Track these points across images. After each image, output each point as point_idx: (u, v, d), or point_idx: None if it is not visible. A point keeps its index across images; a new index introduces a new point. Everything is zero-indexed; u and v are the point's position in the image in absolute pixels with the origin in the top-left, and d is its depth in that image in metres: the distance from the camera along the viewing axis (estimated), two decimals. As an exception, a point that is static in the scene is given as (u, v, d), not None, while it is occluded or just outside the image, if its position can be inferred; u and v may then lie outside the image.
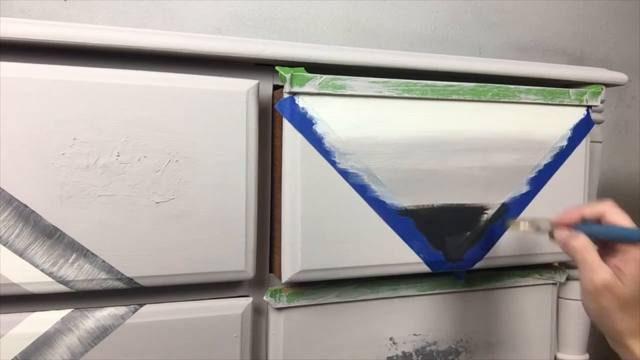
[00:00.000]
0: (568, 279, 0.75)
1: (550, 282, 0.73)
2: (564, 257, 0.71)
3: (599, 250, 0.51)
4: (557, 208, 0.68)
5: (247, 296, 0.59)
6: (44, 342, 0.51)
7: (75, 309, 0.52)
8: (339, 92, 0.57)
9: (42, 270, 0.50)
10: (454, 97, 0.63)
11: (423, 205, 0.62)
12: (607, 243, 0.52)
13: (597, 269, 0.49)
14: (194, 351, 0.56)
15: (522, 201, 0.67)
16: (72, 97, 0.49)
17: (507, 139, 0.65)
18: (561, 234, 0.53)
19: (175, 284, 0.55)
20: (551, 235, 0.55)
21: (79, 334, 0.52)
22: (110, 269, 0.52)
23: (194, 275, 0.55)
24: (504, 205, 0.66)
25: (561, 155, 0.68)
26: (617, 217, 0.51)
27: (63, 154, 0.50)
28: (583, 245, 0.51)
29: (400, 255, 0.61)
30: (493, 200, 0.66)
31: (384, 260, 0.61)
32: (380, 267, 0.61)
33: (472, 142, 0.63)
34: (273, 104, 0.60)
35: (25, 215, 0.49)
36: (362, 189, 0.59)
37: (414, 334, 0.66)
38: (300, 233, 0.57)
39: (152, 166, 0.52)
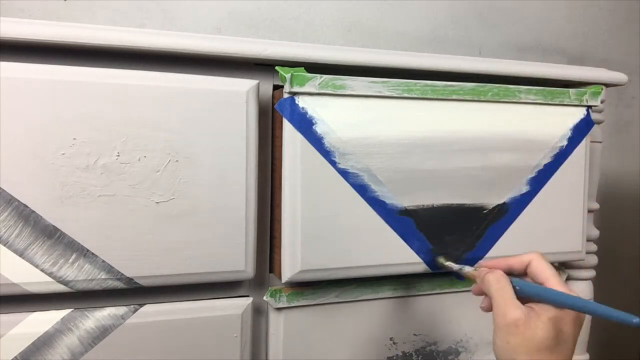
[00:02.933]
0: (568, 279, 0.75)
1: (550, 282, 0.73)
2: (563, 257, 0.71)
3: (517, 293, 0.49)
4: (557, 208, 0.69)
5: (247, 296, 0.59)
6: (44, 342, 0.51)
7: (75, 309, 0.52)
8: (339, 92, 0.57)
9: (42, 270, 0.50)
10: (454, 97, 0.63)
11: (423, 205, 0.62)
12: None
13: (510, 305, 0.47)
14: (194, 351, 0.56)
15: (522, 201, 0.67)
16: (72, 97, 0.49)
17: (507, 139, 0.65)
18: (481, 271, 0.52)
19: (175, 284, 0.55)
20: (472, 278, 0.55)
21: (79, 334, 0.52)
22: (110, 269, 0.52)
23: (194, 275, 0.55)
24: (504, 205, 0.66)
25: (561, 155, 0.68)
26: (541, 268, 0.49)
27: (63, 154, 0.50)
28: (498, 280, 0.49)
29: (400, 255, 0.61)
30: (493, 200, 0.66)
31: (384, 260, 0.61)
32: (380, 267, 0.61)
33: (472, 142, 0.63)
34: (273, 104, 0.60)
35: (25, 215, 0.49)
36: (362, 189, 0.59)
37: (414, 334, 0.66)
38: (300, 233, 0.57)
39: (152, 166, 0.52)
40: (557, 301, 0.47)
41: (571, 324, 0.47)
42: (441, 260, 0.62)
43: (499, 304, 0.48)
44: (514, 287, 0.49)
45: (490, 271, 0.51)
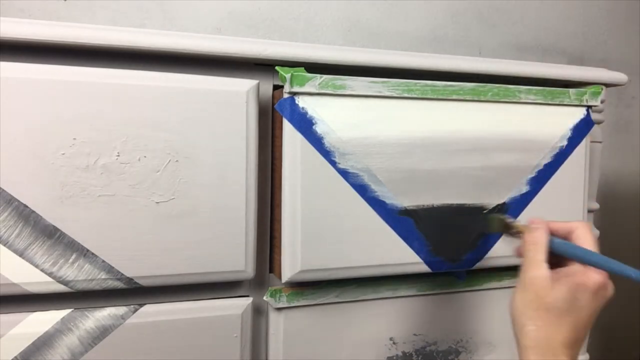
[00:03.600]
0: (568, 279, 0.75)
1: (550, 282, 0.73)
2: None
3: (551, 257, 0.50)
4: (557, 208, 0.69)
5: (247, 296, 0.59)
6: (44, 342, 0.51)
7: (75, 309, 0.52)
8: (339, 92, 0.57)
9: (42, 270, 0.50)
10: (454, 97, 0.63)
11: (423, 205, 0.62)
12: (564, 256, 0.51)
13: (535, 263, 0.49)
14: (194, 351, 0.56)
15: (522, 201, 0.67)
16: (72, 97, 0.49)
17: (507, 139, 0.65)
18: (527, 227, 0.53)
19: (175, 284, 0.55)
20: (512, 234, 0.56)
21: (79, 334, 0.52)
22: (110, 269, 0.52)
23: (194, 275, 0.55)
24: (504, 205, 0.66)
25: (561, 155, 0.68)
26: (584, 236, 0.50)
27: (63, 154, 0.50)
28: (535, 239, 0.51)
29: (400, 255, 0.61)
30: (493, 200, 0.66)
31: (384, 260, 0.61)
32: (380, 267, 0.61)
33: (472, 142, 0.63)
34: (273, 104, 0.60)
35: (25, 215, 0.49)
36: (362, 189, 0.59)
37: (414, 334, 0.66)
38: (300, 233, 0.57)
39: (152, 166, 0.52)
40: (585, 258, 0.48)
41: (591, 296, 0.47)
42: (499, 218, 0.61)
43: (527, 260, 0.50)
44: (551, 246, 0.51)
45: (532, 229, 0.52)
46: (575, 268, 0.49)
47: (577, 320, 0.47)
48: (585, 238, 0.50)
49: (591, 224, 0.52)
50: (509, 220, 0.58)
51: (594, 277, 0.48)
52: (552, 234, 0.52)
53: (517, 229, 0.56)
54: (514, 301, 0.49)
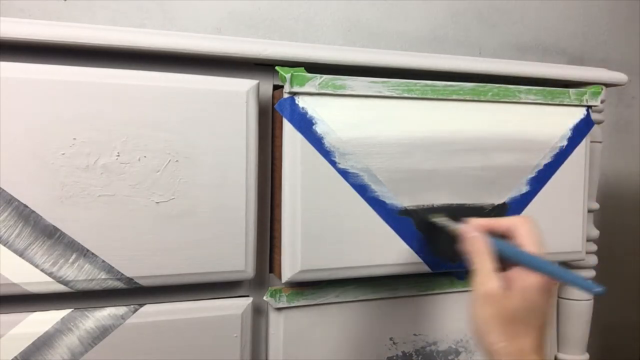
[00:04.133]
0: (568, 279, 0.75)
1: (550, 282, 0.73)
2: (563, 257, 0.71)
3: (498, 259, 0.49)
4: (557, 208, 0.69)
5: (247, 296, 0.59)
6: (44, 342, 0.51)
7: (75, 309, 0.52)
8: (339, 92, 0.57)
9: (42, 270, 0.50)
10: (454, 97, 0.63)
11: (423, 205, 0.62)
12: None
13: (487, 274, 0.48)
14: (194, 351, 0.56)
15: (522, 201, 0.67)
16: (72, 97, 0.49)
17: (507, 139, 0.65)
18: (467, 230, 0.52)
19: (175, 284, 0.55)
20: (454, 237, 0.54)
21: (79, 334, 0.52)
22: (110, 269, 0.52)
23: (194, 275, 0.55)
24: (504, 205, 0.66)
25: (561, 155, 0.68)
26: (525, 236, 0.49)
27: (63, 154, 0.50)
28: (479, 250, 0.50)
29: (400, 255, 0.61)
30: (493, 200, 0.66)
31: (384, 260, 0.61)
32: (380, 267, 0.61)
33: (472, 142, 0.63)
34: (273, 104, 0.60)
35: (25, 215, 0.49)
36: (362, 189, 0.59)
37: (414, 334, 0.66)
38: (300, 233, 0.57)
39: (152, 166, 0.52)
40: (529, 264, 0.47)
41: (540, 295, 0.47)
42: (432, 217, 0.61)
43: (477, 272, 0.49)
44: (496, 248, 0.49)
45: (473, 239, 0.51)
46: (517, 270, 0.48)
47: (539, 323, 0.47)
48: (527, 237, 0.49)
49: (532, 218, 0.51)
50: (446, 223, 0.57)
51: (536, 277, 0.47)
52: (492, 233, 0.51)
53: (453, 233, 0.55)
54: (476, 317, 0.48)
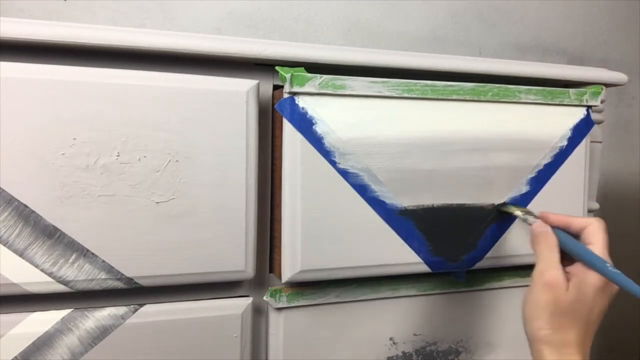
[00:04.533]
0: (568, 279, 0.75)
1: (550, 282, 0.73)
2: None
3: (562, 254, 0.52)
4: (557, 208, 0.69)
5: (247, 296, 0.59)
6: (44, 342, 0.51)
7: (75, 309, 0.52)
8: (339, 92, 0.57)
9: (42, 270, 0.50)
10: (454, 97, 0.63)
11: (423, 205, 0.62)
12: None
13: (551, 265, 0.50)
14: (194, 351, 0.56)
15: (522, 201, 0.67)
16: (72, 97, 0.49)
17: (507, 139, 0.65)
18: (538, 225, 0.54)
19: (175, 284, 0.55)
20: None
21: (79, 334, 0.52)
22: (110, 269, 0.52)
23: (194, 275, 0.55)
24: (504, 205, 0.66)
25: (561, 155, 0.68)
26: (594, 236, 0.51)
27: (63, 154, 0.50)
28: (547, 242, 0.52)
29: (400, 255, 0.61)
30: (493, 200, 0.66)
31: (384, 260, 0.61)
32: (380, 267, 0.61)
33: (472, 142, 0.63)
34: (273, 104, 0.60)
35: (25, 215, 0.49)
36: (362, 189, 0.59)
37: (414, 334, 0.66)
38: (300, 233, 0.57)
39: (152, 166, 0.52)
40: (593, 264, 0.49)
41: (597, 294, 0.49)
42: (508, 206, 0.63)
43: (542, 259, 0.51)
44: (563, 242, 0.52)
45: (543, 231, 0.53)
46: (579, 267, 0.50)
47: (588, 320, 0.49)
48: (595, 237, 0.51)
49: (604, 222, 0.53)
50: (523, 210, 0.60)
51: (596, 276, 0.49)
52: (566, 229, 0.53)
53: (528, 220, 0.57)
54: (529, 301, 0.50)
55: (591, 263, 0.49)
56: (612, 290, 0.50)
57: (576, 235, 0.53)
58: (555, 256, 0.51)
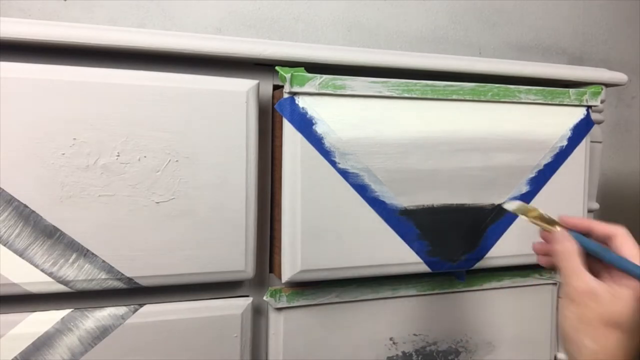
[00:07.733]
0: (568, 279, 0.75)
1: (550, 282, 0.73)
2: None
3: (589, 263, 0.47)
4: (557, 208, 0.69)
5: (247, 296, 0.59)
6: (44, 342, 0.51)
7: (75, 309, 0.52)
8: (339, 92, 0.57)
9: (42, 270, 0.50)
10: (454, 97, 0.63)
11: (423, 205, 0.62)
12: (604, 263, 0.48)
13: (579, 274, 0.45)
14: (194, 351, 0.56)
15: (522, 201, 0.67)
16: (72, 97, 0.49)
17: (507, 139, 0.65)
18: (557, 234, 0.49)
19: (175, 284, 0.55)
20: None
21: (79, 334, 0.52)
22: (110, 269, 0.52)
23: (194, 275, 0.55)
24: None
25: (561, 155, 0.68)
26: (626, 245, 0.47)
27: (63, 154, 0.50)
28: (566, 251, 0.47)
29: (400, 255, 0.61)
30: (493, 200, 0.66)
31: (384, 260, 0.61)
32: (380, 267, 0.61)
33: (472, 142, 0.63)
34: (273, 104, 0.60)
35: (25, 215, 0.49)
36: (362, 189, 0.59)
37: (414, 334, 0.66)
38: (300, 233, 0.57)
39: (152, 166, 0.52)
40: (633, 272, 0.45)
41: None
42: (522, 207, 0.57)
43: (567, 271, 0.46)
44: (588, 249, 0.47)
45: (559, 240, 0.48)
46: (619, 275, 0.46)
47: (634, 329, 0.44)
48: (629, 246, 0.47)
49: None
50: (538, 213, 0.54)
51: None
52: (587, 233, 0.49)
53: (544, 227, 0.52)
54: (565, 317, 0.45)
55: (633, 273, 0.45)
56: None
57: (600, 242, 0.49)
58: (578, 265, 0.46)
